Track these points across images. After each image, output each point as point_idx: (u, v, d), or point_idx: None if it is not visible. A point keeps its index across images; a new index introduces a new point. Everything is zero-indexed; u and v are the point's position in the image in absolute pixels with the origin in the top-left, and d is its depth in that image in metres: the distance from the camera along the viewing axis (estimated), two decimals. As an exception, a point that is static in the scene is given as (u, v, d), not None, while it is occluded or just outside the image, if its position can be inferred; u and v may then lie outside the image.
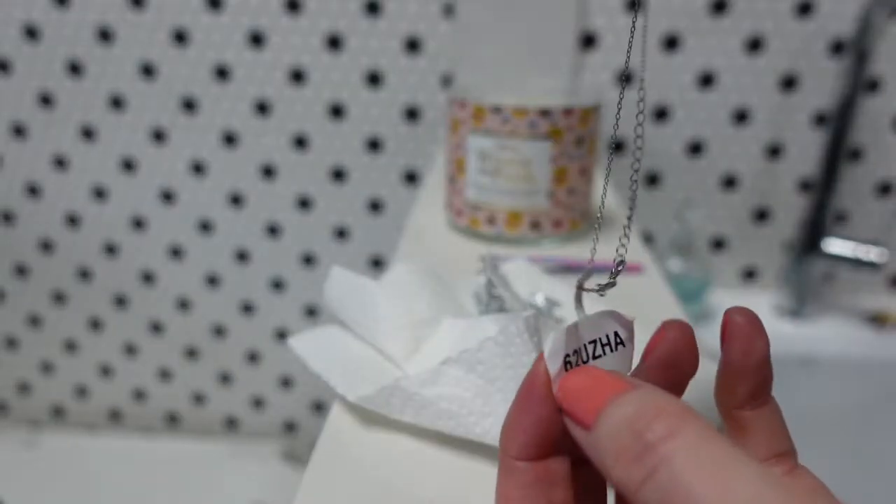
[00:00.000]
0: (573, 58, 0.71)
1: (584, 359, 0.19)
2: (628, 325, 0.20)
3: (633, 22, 0.20)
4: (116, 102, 0.88)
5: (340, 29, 0.82)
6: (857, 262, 0.78)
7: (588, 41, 0.80)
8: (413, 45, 0.82)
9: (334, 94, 0.85)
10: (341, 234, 0.93)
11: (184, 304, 0.99)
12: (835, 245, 0.80)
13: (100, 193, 0.93)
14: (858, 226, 0.87)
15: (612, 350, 0.19)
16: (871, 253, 0.77)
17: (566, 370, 0.18)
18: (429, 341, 0.34)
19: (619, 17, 0.79)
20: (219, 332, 1.01)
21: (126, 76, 0.86)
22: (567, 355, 0.18)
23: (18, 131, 0.90)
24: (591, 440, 0.16)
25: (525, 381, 0.18)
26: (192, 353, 1.03)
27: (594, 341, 0.19)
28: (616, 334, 0.19)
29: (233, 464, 1.00)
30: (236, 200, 0.92)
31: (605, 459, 0.15)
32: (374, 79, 0.84)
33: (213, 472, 0.98)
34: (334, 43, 0.83)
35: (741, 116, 0.83)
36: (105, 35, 0.84)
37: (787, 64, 0.80)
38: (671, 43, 0.80)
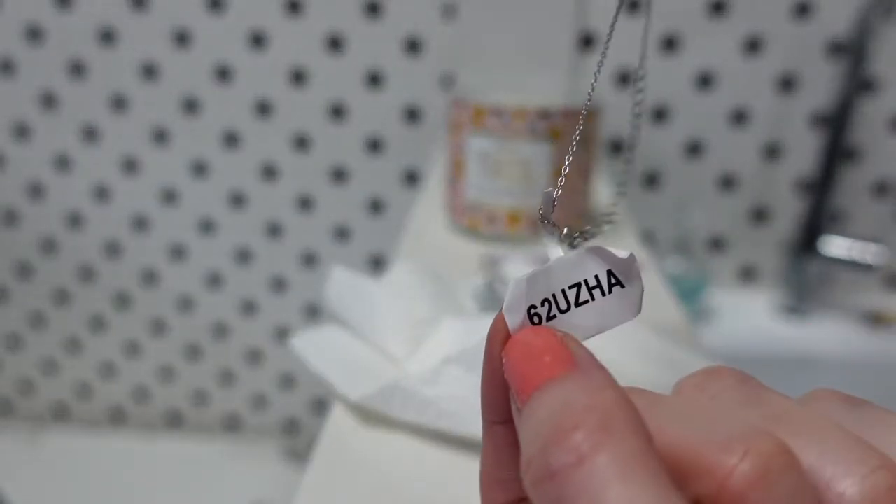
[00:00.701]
0: (573, 59, 0.72)
1: (564, 307, 0.16)
2: (622, 263, 0.16)
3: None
4: (118, 103, 0.88)
5: (341, 30, 0.82)
6: (854, 262, 0.79)
7: (588, 42, 0.80)
8: (413, 46, 0.82)
9: (335, 94, 0.86)
10: (342, 234, 0.93)
11: (185, 304, 1.00)
12: (833, 245, 0.81)
13: (101, 193, 0.93)
14: (856, 225, 0.87)
15: (603, 293, 0.16)
16: (868, 252, 0.78)
17: (533, 324, 0.16)
18: (429, 341, 0.35)
19: (618, 18, 0.79)
20: (220, 331, 1.01)
21: (127, 77, 0.87)
22: (532, 307, 0.16)
23: (21, 131, 0.91)
24: (519, 423, 0.14)
25: (487, 337, 0.16)
26: (193, 353, 1.03)
27: (576, 285, 0.16)
28: (609, 274, 0.16)
29: (234, 463, 1.00)
30: (237, 200, 0.93)
31: (522, 455, 0.13)
32: (374, 79, 0.84)
33: (214, 470, 0.98)
34: (335, 43, 0.83)
35: (740, 117, 0.83)
36: (107, 36, 0.85)
37: (785, 65, 0.80)
38: (670, 44, 0.80)
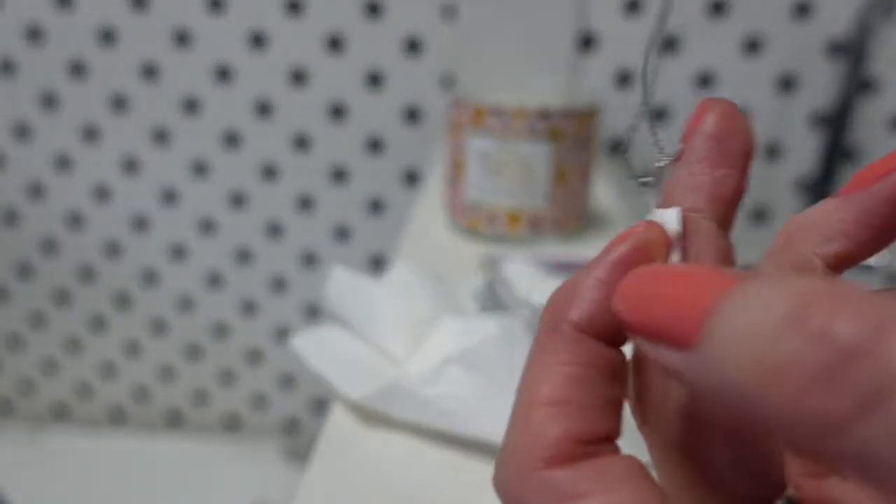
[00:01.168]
0: (573, 59, 0.72)
1: None
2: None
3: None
4: (118, 103, 0.88)
5: (341, 30, 0.82)
6: (854, 262, 0.79)
7: (588, 42, 0.81)
8: (413, 46, 0.82)
9: (335, 94, 0.86)
10: (342, 234, 0.93)
11: (185, 304, 1.00)
12: (833, 245, 0.81)
13: (102, 193, 0.93)
14: (856, 225, 0.87)
15: None
16: (868, 253, 0.78)
17: None
18: (429, 341, 0.35)
19: (619, 19, 0.79)
20: (220, 331, 1.01)
21: (128, 77, 0.87)
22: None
23: (21, 132, 0.91)
24: (698, 361, 0.10)
25: (629, 231, 0.14)
26: (193, 353, 1.03)
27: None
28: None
29: (234, 462, 1.00)
30: (237, 200, 0.93)
31: (729, 376, 0.09)
32: (374, 79, 0.84)
33: (215, 470, 0.98)
34: (335, 44, 0.83)
35: (740, 117, 0.83)
36: (107, 36, 0.85)
37: (785, 65, 0.80)
38: (670, 44, 0.80)
